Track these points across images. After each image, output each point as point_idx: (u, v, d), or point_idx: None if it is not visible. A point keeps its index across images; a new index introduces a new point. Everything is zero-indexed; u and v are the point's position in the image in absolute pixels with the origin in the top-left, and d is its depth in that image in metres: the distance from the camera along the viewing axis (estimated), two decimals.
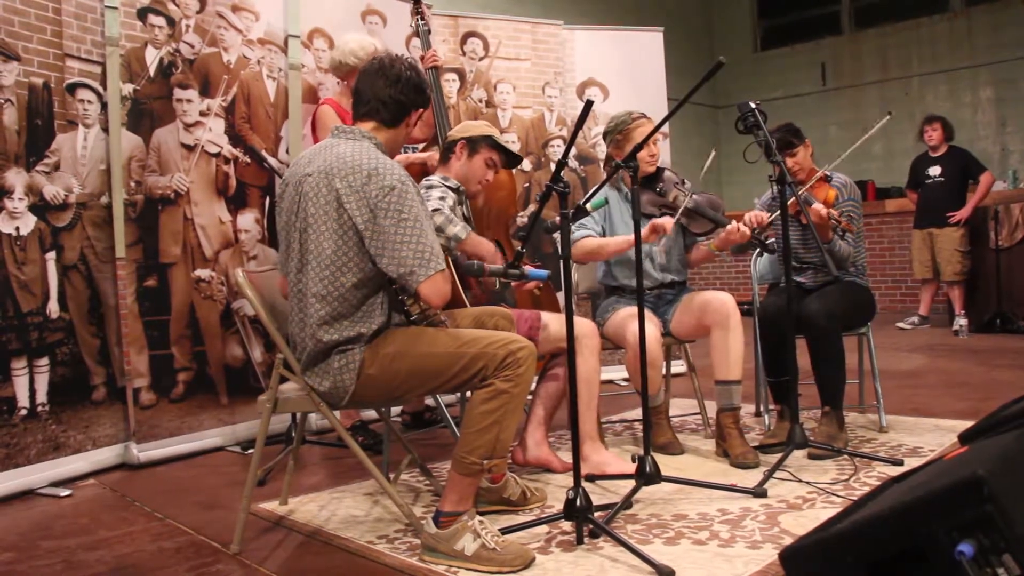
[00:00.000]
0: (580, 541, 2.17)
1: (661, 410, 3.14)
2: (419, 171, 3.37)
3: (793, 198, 2.89)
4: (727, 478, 2.69)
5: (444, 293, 2.08)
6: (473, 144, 2.93)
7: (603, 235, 3.15)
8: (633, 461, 2.50)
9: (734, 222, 2.98)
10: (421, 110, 2.29)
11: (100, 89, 3.30)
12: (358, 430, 3.51)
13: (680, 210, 3.01)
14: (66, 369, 3.14)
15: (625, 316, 3.00)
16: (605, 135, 3.22)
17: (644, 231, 2.93)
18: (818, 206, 3.02)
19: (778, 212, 2.93)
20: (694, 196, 3.13)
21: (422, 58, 3.71)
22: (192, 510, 2.69)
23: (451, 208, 2.79)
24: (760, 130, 2.86)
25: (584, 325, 2.79)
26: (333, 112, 3.37)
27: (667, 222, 2.90)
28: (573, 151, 4.72)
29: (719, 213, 3.15)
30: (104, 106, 3.30)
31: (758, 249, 3.18)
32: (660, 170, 3.22)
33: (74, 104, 3.21)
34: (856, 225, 3.26)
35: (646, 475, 2.42)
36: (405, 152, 3.54)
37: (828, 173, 3.32)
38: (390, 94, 2.22)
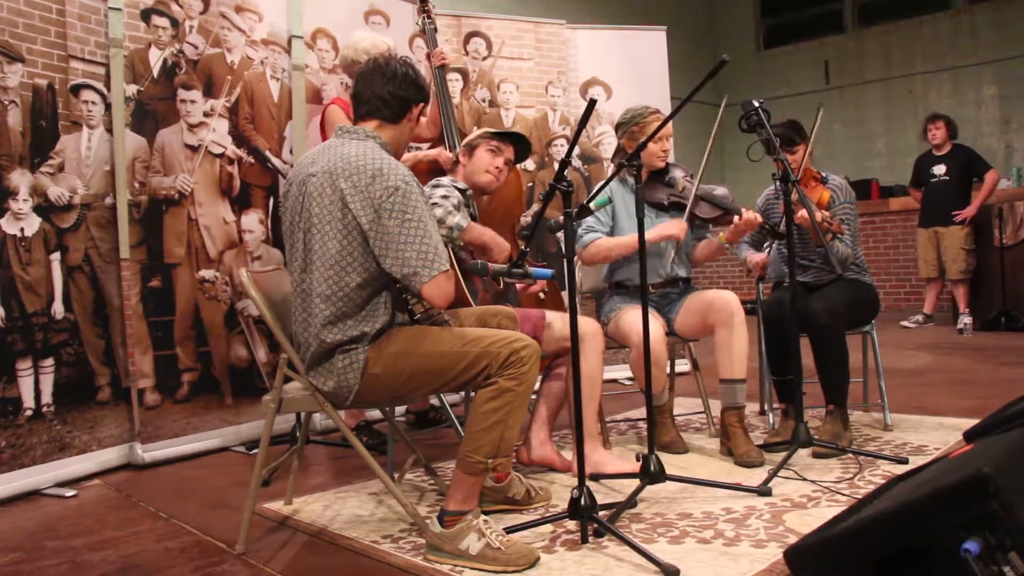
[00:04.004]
0: (585, 540, 2.17)
1: (665, 409, 3.13)
2: (427, 169, 3.37)
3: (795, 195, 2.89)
4: (732, 477, 2.69)
5: (448, 294, 2.08)
6: (471, 145, 3.00)
7: (610, 233, 3.15)
8: (637, 460, 2.50)
9: (743, 209, 2.98)
10: (422, 104, 2.29)
11: (104, 90, 3.30)
12: (362, 430, 3.52)
13: (691, 199, 3.02)
14: (71, 370, 3.14)
15: (629, 315, 3.00)
16: (619, 127, 3.22)
17: (653, 233, 2.95)
18: (804, 213, 2.99)
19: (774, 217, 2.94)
20: (705, 187, 3.14)
21: (428, 56, 3.71)
22: (197, 510, 2.70)
23: (455, 206, 2.79)
24: (763, 128, 2.85)
25: (588, 325, 2.79)
26: (342, 112, 3.37)
27: (680, 232, 2.92)
28: (576, 150, 4.72)
29: (729, 201, 3.16)
30: (108, 107, 3.31)
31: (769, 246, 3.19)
32: (669, 165, 3.24)
33: (78, 105, 3.22)
34: (852, 226, 3.25)
35: (650, 474, 2.42)
36: (411, 152, 3.54)
37: (824, 174, 3.32)
38: (389, 90, 2.22)
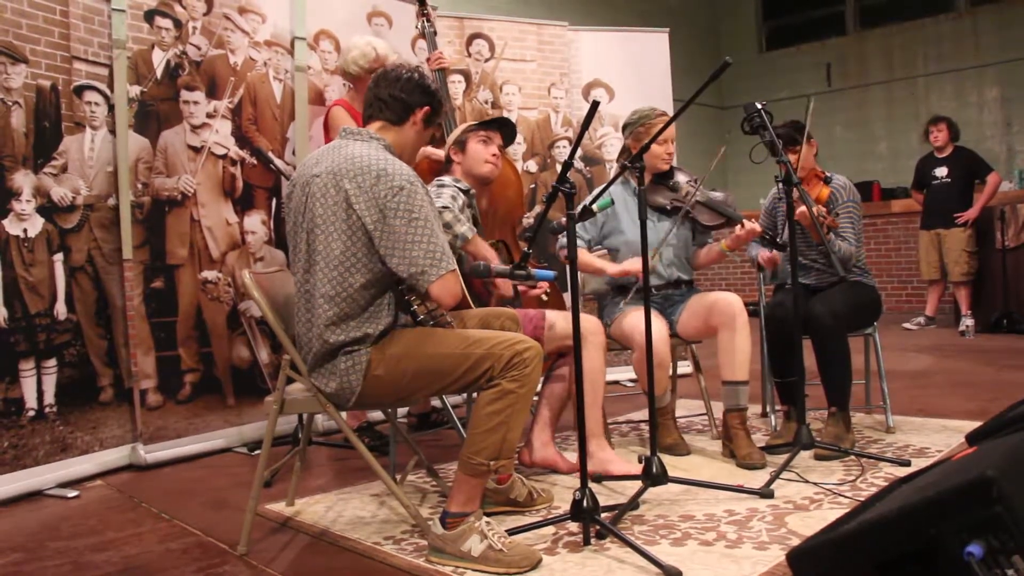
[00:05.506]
0: (587, 542, 2.17)
1: (668, 411, 3.13)
2: (428, 167, 3.37)
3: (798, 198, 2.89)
4: (734, 479, 2.68)
5: (455, 292, 2.09)
6: (459, 141, 3.01)
7: (598, 239, 3.18)
8: (640, 462, 2.50)
9: (745, 220, 2.99)
10: (427, 109, 2.30)
11: (107, 91, 3.31)
12: (364, 431, 3.52)
13: (690, 203, 3.02)
14: (73, 370, 3.15)
15: (632, 316, 3.00)
16: (625, 127, 3.23)
17: (617, 270, 3.03)
18: (802, 209, 2.99)
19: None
20: (709, 193, 3.14)
21: (428, 59, 3.72)
22: (199, 511, 2.70)
23: (460, 209, 2.80)
24: (766, 130, 2.86)
25: (589, 321, 2.79)
26: (345, 113, 3.38)
27: (637, 269, 2.88)
28: (579, 152, 4.71)
29: (732, 209, 3.16)
30: (111, 108, 3.31)
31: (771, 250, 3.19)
32: (673, 168, 3.24)
33: (81, 106, 3.22)
34: (856, 226, 3.25)
35: (653, 476, 2.42)
36: None
37: (828, 175, 3.32)
38: (391, 92, 2.26)
